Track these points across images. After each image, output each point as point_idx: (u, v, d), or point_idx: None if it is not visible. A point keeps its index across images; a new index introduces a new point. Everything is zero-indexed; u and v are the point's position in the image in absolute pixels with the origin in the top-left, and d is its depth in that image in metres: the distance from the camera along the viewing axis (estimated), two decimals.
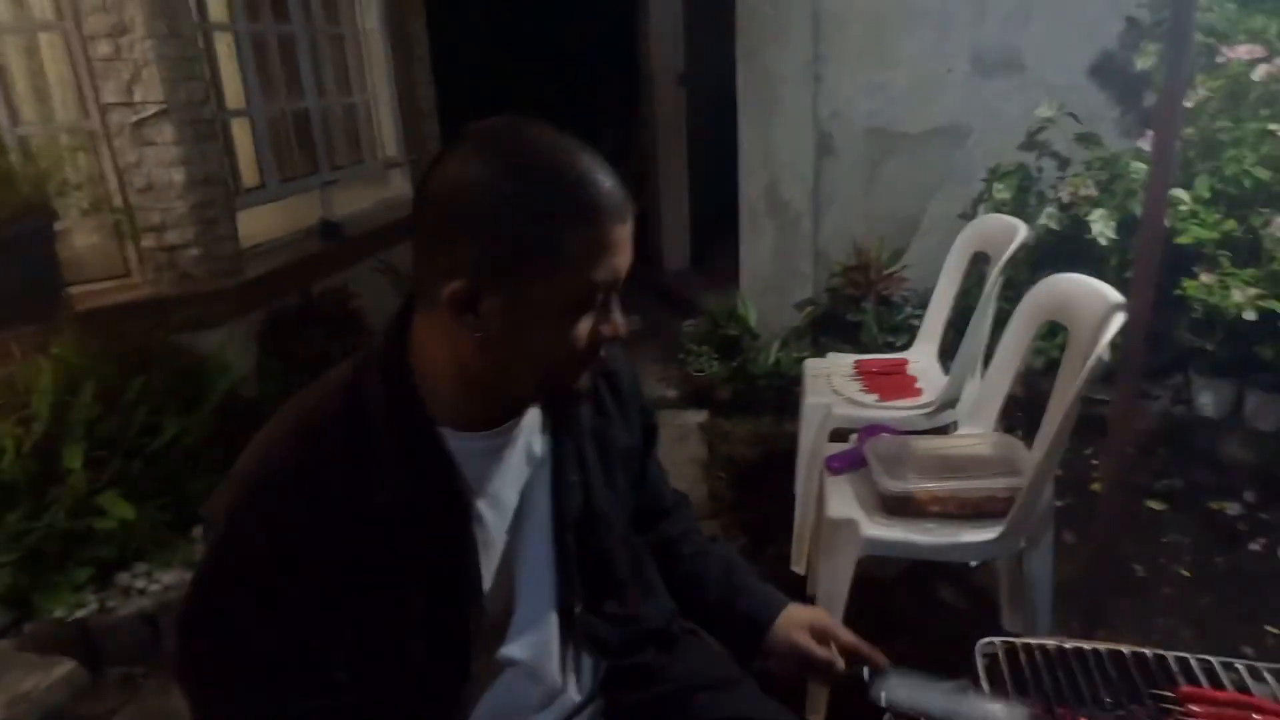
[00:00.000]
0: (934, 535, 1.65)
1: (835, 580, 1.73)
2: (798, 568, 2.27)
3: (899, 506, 1.71)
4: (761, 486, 2.74)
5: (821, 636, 1.07)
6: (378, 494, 0.84)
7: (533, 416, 0.96)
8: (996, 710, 0.94)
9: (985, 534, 1.63)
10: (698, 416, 3.25)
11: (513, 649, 0.98)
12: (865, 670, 1.02)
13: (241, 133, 3.15)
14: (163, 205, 2.55)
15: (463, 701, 0.95)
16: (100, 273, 2.58)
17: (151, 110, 2.47)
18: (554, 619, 1.01)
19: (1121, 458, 1.77)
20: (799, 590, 2.13)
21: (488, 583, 0.94)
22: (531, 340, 0.82)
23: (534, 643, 0.99)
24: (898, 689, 0.98)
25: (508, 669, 0.98)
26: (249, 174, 3.17)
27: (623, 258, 0.83)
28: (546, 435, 0.98)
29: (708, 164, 4.51)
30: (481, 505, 0.92)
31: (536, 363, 0.85)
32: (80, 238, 2.61)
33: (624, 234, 0.82)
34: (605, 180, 0.81)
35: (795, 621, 1.09)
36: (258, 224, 3.15)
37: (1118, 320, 1.47)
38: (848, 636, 1.07)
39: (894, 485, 1.69)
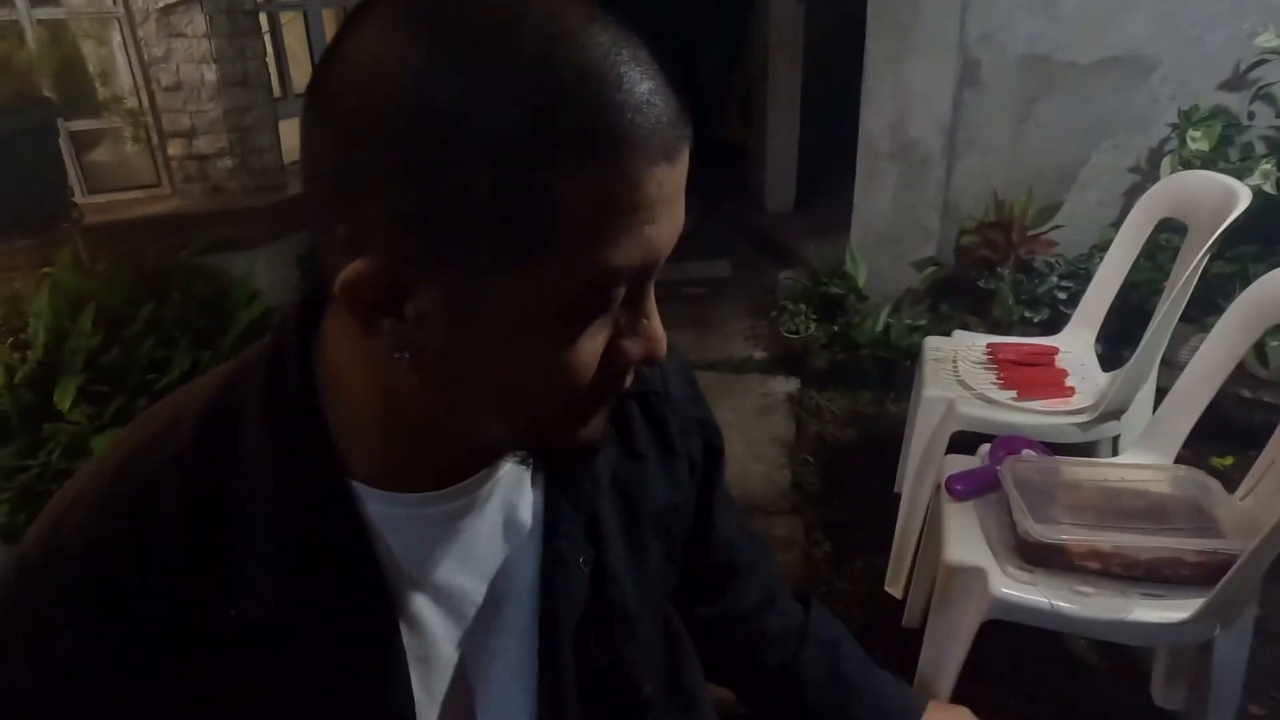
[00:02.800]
0: (1092, 604, 1.23)
1: (951, 643, 1.34)
2: (893, 589, 1.89)
3: (1043, 556, 1.30)
4: (856, 479, 2.34)
5: None
6: (240, 598, 0.50)
7: (514, 466, 0.61)
8: None
9: (1169, 612, 1.20)
10: (787, 385, 2.84)
11: None
12: None
13: (295, 30, 2.82)
14: (192, 108, 2.25)
15: None
16: (125, 182, 2.31)
17: None
18: None
19: None
20: (893, 617, 1.78)
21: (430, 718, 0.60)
22: (498, 366, 0.46)
23: None
24: None
25: None
26: (300, 77, 2.85)
27: (666, 224, 0.45)
28: (538, 492, 0.62)
29: (826, 91, 3.97)
30: (418, 602, 0.58)
31: (509, 401, 0.49)
32: (103, 141, 2.34)
33: (670, 182, 0.44)
34: (640, 83, 0.42)
35: None
36: None
37: None
38: None
39: (1040, 529, 1.28)
